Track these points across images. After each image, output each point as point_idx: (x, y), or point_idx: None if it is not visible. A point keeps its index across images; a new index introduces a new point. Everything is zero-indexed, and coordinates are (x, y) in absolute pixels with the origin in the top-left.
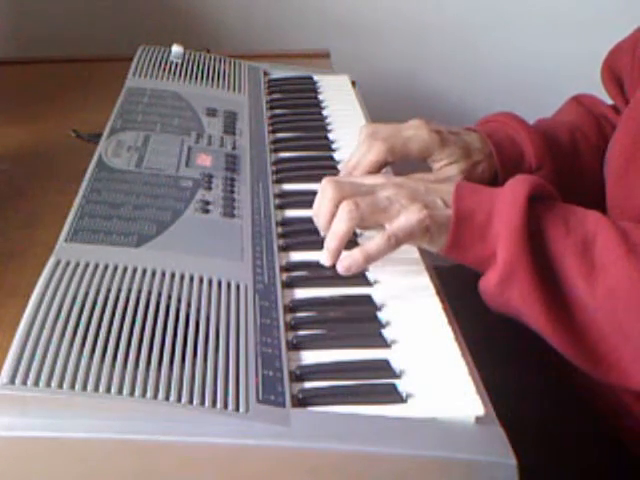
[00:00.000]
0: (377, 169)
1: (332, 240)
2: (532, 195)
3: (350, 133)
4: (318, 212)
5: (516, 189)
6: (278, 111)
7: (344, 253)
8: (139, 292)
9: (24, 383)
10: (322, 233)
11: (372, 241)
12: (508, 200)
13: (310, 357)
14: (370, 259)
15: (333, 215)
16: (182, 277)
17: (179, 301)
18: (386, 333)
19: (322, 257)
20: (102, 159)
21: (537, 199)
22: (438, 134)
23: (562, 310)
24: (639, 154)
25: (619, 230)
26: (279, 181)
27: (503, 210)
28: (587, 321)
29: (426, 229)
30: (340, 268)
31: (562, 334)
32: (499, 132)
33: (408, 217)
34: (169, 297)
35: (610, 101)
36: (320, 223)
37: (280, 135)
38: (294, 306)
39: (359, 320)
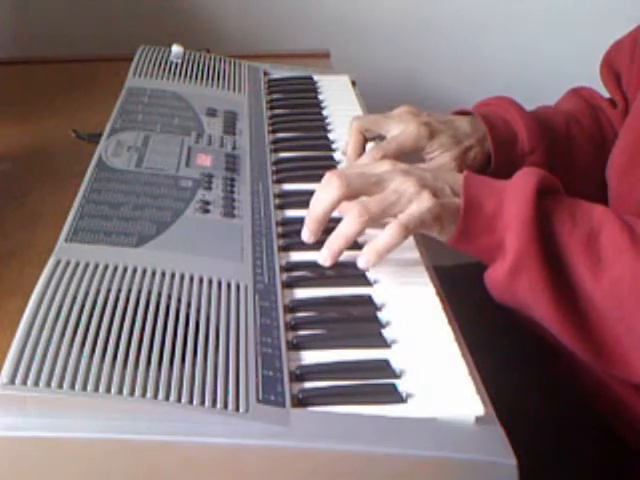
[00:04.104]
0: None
1: (337, 240)
2: (540, 187)
3: None
4: (318, 199)
5: (525, 181)
6: (278, 111)
7: (348, 253)
8: (139, 292)
9: (24, 383)
10: (310, 222)
11: (383, 234)
12: (518, 191)
13: (310, 357)
14: (383, 253)
15: (333, 208)
16: (182, 277)
17: (179, 301)
18: (386, 333)
19: (321, 256)
20: (102, 159)
21: (544, 192)
22: (427, 126)
23: (568, 301)
24: None
25: (624, 223)
26: (279, 181)
27: (513, 201)
28: (592, 312)
29: (437, 217)
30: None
31: (568, 325)
32: (494, 114)
33: (419, 205)
34: (169, 297)
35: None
36: (316, 211)
37: (280, 135)
38: (294, 306)
39: (359, 320)
